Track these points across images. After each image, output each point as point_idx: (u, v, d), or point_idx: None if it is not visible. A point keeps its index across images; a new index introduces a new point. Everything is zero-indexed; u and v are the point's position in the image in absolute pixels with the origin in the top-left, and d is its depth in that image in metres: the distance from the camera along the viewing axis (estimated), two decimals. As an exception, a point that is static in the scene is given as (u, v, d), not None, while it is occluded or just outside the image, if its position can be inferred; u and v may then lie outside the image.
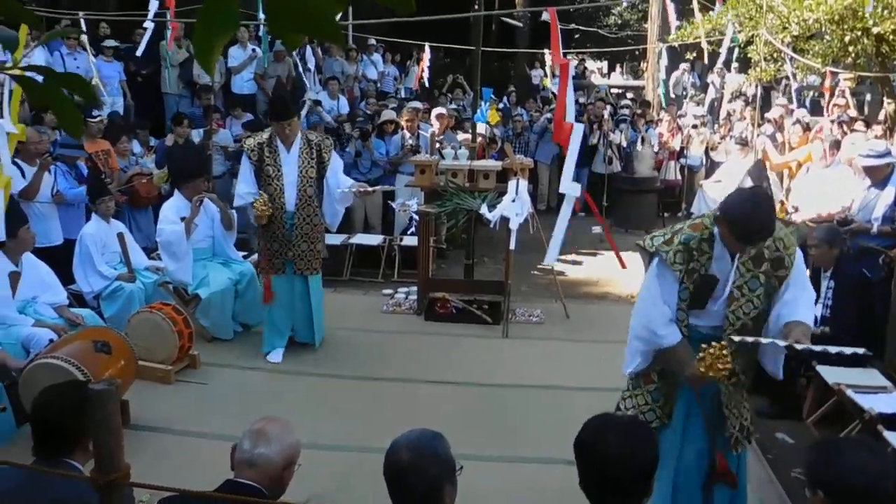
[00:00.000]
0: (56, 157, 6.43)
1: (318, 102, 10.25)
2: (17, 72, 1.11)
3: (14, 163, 6.01)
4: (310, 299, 5.50)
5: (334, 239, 7.72)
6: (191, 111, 9.68)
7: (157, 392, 4.75)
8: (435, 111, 9.41)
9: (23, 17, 1.07)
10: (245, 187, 5.38)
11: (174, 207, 5.79)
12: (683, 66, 14.69)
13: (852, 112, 9.79)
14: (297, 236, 5.35)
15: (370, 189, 6.08)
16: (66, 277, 5.47)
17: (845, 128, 8.50)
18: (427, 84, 13.28)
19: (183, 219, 5.67)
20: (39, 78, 1.04)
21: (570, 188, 6.55)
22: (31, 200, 5.91)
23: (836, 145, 6.87)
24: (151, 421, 4.29)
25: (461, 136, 9.40)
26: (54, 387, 2.77)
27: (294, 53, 11.15)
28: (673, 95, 14.21)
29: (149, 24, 9.11)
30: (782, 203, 7.11)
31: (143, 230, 7.17)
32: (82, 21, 8.20)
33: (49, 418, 2.48)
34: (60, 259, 5.63)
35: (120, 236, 5.73)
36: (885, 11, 7.93)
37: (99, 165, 7.03)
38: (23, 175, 5.96)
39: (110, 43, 9.55)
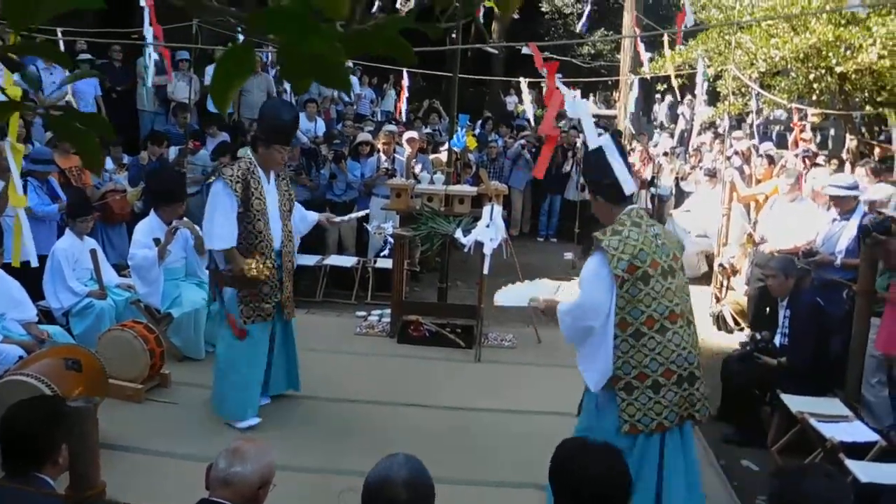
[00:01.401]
0: (26, 172, 6.37)
1: (294, 123, 10.27)
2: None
3: (-17, 177, 5.96)
4: (293, 343, 5.06)
5: (307, 260, 7.72)
6: (165, 128, 9.67)
7: (127, 410, 4.70)
8: (406, 135, 9.50)
9: (53, 57, 1.11)
10: (229, 227, 4.53)
11: (148, 229, 5.71)
12: (669, 98, 15.01)
13: (813, 147, 10.10)
14: (284, 277, 4.80)
15: (338, 220, 5.72)
16: (35, 293, 5.41)
17: (807, 162, 8.75)
18: (405, 110, 13.38)
19: (156, 241, 5.61)
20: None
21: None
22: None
23: (799, 180, 7.08)
24: (121, 439, 4.25)
25: (433, 155, 9.50)
26: (24, 401, 2.75)
27: (271, 72, 11.21)
28: (668, 125, 14.54)
29: (154, 56, 9.13)
30: (750, 235, 7.29)
31: (116, 247, 7.12)
32: (60, 40, 8.18)
33: (19, 431, 2.46)
34: (30, 274, 5.57)
35: (92, 253, 5.69)
36: (848, 52, 8.24)
37: (72, 181, 6.99)
38: (-7, 190, 5.89)
39: (84, 57, 9.51)
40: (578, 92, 24.81)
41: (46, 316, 5.51)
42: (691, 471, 3.51)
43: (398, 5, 9.69)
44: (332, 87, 0.99)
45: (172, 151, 8.45)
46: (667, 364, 3.36)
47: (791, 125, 10.70)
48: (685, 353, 3.40)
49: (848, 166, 8.68)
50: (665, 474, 3.42)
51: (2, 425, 2.53)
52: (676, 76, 11.13)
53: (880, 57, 7.82)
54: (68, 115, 1.05)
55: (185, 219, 5.94)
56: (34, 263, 5.26)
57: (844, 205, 5.96)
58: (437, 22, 1.21)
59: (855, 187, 5.99)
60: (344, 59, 0.92)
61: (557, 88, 6.25)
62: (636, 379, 3.35)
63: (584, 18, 14.53)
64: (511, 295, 4.09)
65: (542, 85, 6.89)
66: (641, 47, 11.42)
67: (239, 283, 4.60)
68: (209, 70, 10.60)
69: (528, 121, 13.92)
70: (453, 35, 7.59)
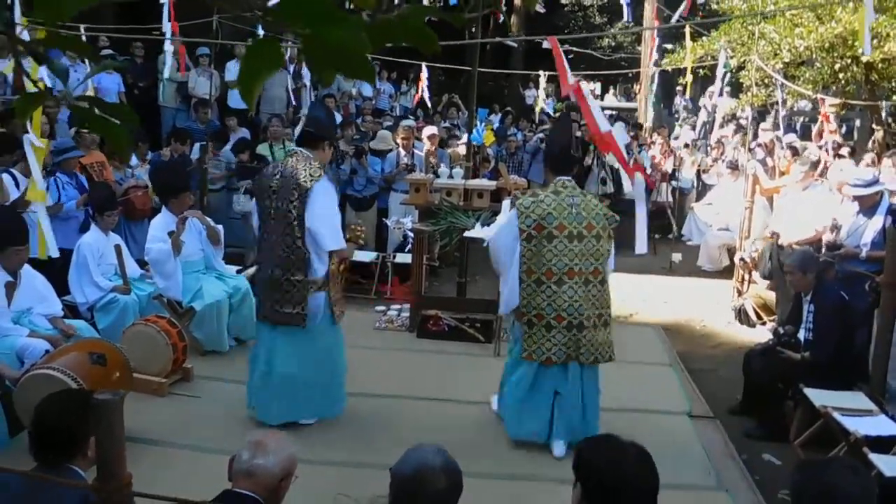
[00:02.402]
0: (55, 166, 6.43)
1: (314, 118, 10.31)
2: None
3: (10, 172, 6.04)
4: None
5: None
6: (187, 124, 9.75)
7: (151, 404, 4.76)
8: (425, 131, 9.50)
9: (77, 49, 1.14)
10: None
11: (162, 224, 5.76)
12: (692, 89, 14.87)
13: (838, 138, 9.96)
14: None
15: None
16: (59, 288, 5.48)
17: (832, 153, 8.64)
18: (428, 103, 13.37)
19: (171, 234, 5.65)
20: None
21: (636, 193, 6.69)
22: (23, 211, 5.90)
23: (814, 167, 6.99)
24: (145, 433, 4.30)
25: (451, 149, 9.50)
26: (55, 394, 2.83)
27: (290, 69, 11.25)
28: (689, 117, 14.45)
29: (168, 49, 9.19)
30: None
31: (139, 242, 7.16)
32: (83, 36, 8.26)
33: (51, 424, 2.51)
34: (55, 269, 5.65)
35: (117, 248, 5.74)
36: (875, 41, 8.10)
37: (93, 177, 7.06)
38: (17, 186, 5.98)
39: (107, 53, 9.59)
40: (598, 85, 24.49)
41: (71, 311, 5.57)
42: (590, 405, 4.35)
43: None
44: (357, 78, 1.00)
45: (196, 150, 8.52)
46: (559, 311, 4.20)
47: (818, 115, 10.56)
48: (577, 304, 4.21)
49: (873, 157, 8.55)
50: (558, 401, 4.29)
51: (35, 418, 2.59)
52: (699, 67, 11.01)
53: (907, 46, 7.71)
54: (94, 105, 1.07)
55: (194, 209, 6.00)
56: (54, 254, 5.34)
57: (868, 201, 5.88)
58: (461, 11, 1.21)
59: (875, 182, 5.90)
60: (369, 49, 0.92)
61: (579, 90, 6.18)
62: (535, 318, 4.24)
63: (625, 6, 14.46)
64: (477, 231, 5.51)
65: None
66: (657, 42, 11.30)
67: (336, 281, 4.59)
68: (230, 66, 10.68)
69: (548, 115, 13.87)
70: (472, 29, 7.57)
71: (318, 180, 4.38)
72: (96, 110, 1.05)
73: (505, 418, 4.58)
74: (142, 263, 6.32)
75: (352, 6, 0.98)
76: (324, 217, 4.39)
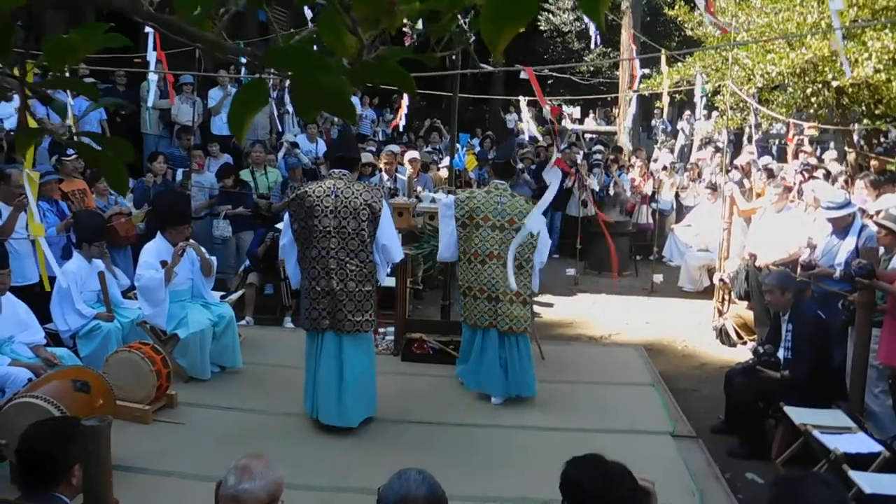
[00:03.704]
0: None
1: (295, 144, 10.40)
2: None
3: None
4: None
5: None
6: (169, 151, 9.75)
7: (135, 431, 4.73)
8: (407, 155, 9.59)
9: (81, 89, 1.18)
10: None
11: (155, 251, 5.68)
12: (668, 113, 15.11)
13: (812, 160, 10.16)
14: None
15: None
16: (41, 315, 5.44)
17: (806, 175, 8.82)
18: (402, 128, 13.47)
19: (164, 263, 5.59)
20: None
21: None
22: (4, 239, 5.88)
23: (787, 191, 7.13)
24: (129, 460, 4.27)
25: (432, 172, 9.58)
26: (40, 422, 2.84)
27: (273, 95, 11.32)
28: (667, 140, 14.70)
29: (152, 77, 9.19)
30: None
31: (122, 269, 7.16)
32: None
33: (36, 451, 2.51)
34: (36, 297, 5.62)
35: (101, 275, 5.72)
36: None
37: (75, 204, 7.04)
38: (-1, 214, 5.96)
39: (88, 81, 9.58)
40: (578, 109, 24.65)
41: (53, 338, 5.53)
42: (524, 357, 5.45)
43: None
44: (339, 117, 1.09)
45: (179, 174, 8.53)
46: (482, 284, 5.37)
47: (786, 141, 10.76)
48: (494, 281, 5.33)
49: (846, 179, 8.72)
50: (505, 355, 5.39)
51: (19, 446, 2.58)
52: (675, 92, 11.20)
53: (876, 71, 7.88)
54: (94, 140, 1.12)
55: (191, 240, 5.96)
56: (64, 285, 5.34)
57: (841, 223, 6.00)
58: (433, 52, 1.28)
59: (847, 204, 6.03)
60: (350, 91, 0.99)
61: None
62: (466, 290, 5.45)
63: (593, 34, 14.73)
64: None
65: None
66: (637, 63, 11.50)
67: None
68: (212, 93, 10.73)
69: (532, 138, 13.99)
70: (453, 57, 7.69)
71: (383, 201, 5.00)
72: (101, 146, 1.10)
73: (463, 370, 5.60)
74: (123, 293, 6.27)
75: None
76: (392, 234, 5.10)
